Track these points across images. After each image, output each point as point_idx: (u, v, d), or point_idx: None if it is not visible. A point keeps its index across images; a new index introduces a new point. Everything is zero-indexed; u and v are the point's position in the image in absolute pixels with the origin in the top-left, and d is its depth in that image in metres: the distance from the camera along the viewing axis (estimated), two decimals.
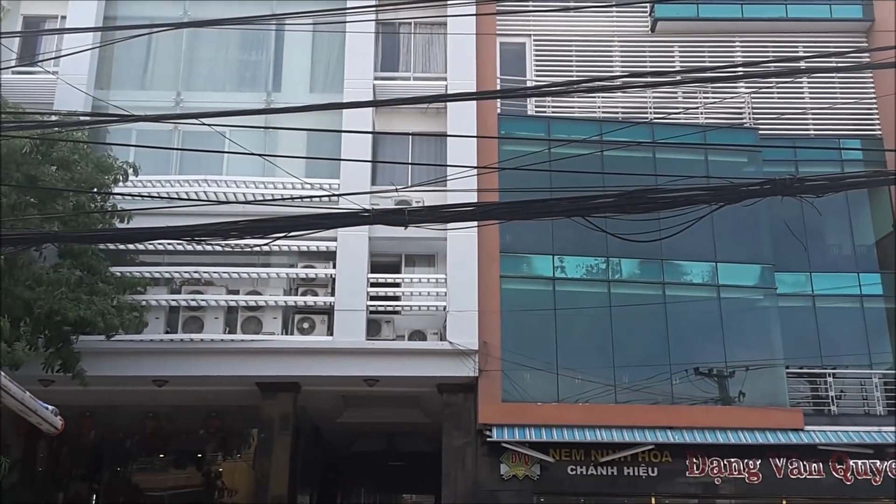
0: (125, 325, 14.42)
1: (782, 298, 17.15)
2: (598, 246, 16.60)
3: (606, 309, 16.80)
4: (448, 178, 13.38)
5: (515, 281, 17.14)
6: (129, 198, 15.26)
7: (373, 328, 16.61)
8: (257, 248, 15.69)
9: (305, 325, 16.55)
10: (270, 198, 16.49)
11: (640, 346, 16.71)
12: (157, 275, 16.55)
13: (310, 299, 16.64)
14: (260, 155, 13.36)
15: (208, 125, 7.70)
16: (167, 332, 16.38)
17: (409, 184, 16.70)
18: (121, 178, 14.63)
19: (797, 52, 19.03)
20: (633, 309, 16.85)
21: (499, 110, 17.97)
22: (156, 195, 15.58)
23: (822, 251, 18.23)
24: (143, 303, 15.95)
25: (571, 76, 18.83)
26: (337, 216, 7.02)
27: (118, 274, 15.26)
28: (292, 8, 17.55)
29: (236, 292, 16.69)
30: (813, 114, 18.79)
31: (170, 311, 16.64)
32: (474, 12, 16.11)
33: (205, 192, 16.37)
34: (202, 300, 16.39)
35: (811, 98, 18.94)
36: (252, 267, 16.89)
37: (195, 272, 16.57)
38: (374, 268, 17.08)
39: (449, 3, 12.81)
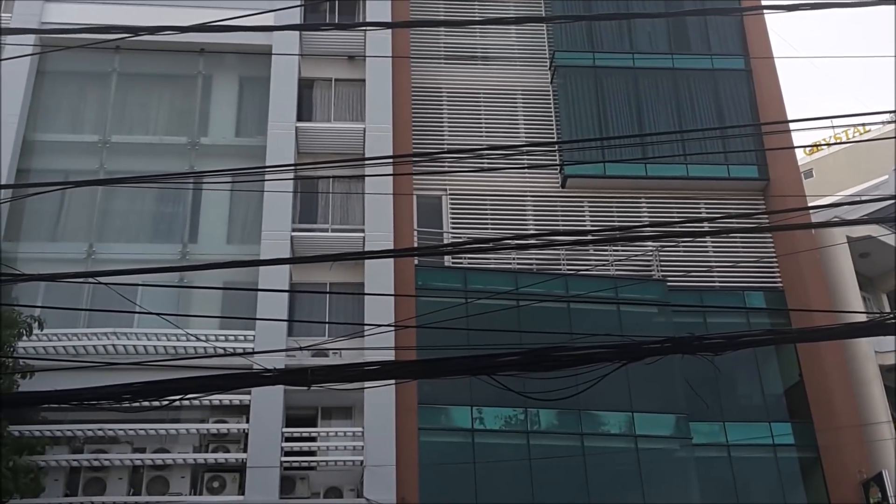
0: (20, 490, 13.70)
1: (698, 448, 17.25)
2: (515, 397, 16.45)
3: (526, 462, 16.60)
4: (364, 333, 13.41)
5: (434, 433, 16.91)
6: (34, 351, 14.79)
7: (287, 485, 16.04)
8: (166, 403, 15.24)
9: (216, 484, 15.91)
10: (183, 351, 16.18)
11: (560, 499, 16.43)
12: (58, 433, 15.81)
13: (221, 456, 16.08)
14: (170, 314, 13.19)
15: (114, 284, 7.60)
16: (66, 496, 15.53)
17: (326, 335, 16.75)
18: (25, 332, 14.19)
19: (699, 207, 19.97)
20: (553, 461, 16.68)
21: (416, 262, 18.22)
22: (62, 350, 15.08)
23: (735, 400, 18.51)
24: (42, 463, 15.14)
25: (486, 229, 19.36)
26: (236, 377, 6.90)
27: (16, 434, 14.55)
28: (211, 164, 17.79)
29: (143, 450, 16.05)
30: (717, 269, 19.54)
31: (70, 472, 15.82)
32: (391, 172, 16.58)
33: (113, 346, 15.97)
34: (105, 459, 15.69)
35: (714, 253, 19.73)
36: (160, 423, 16.29)
37: (99, 429, 15.90)
38: (290, 421, 16.66)
39: (367, 163, 13.15)
